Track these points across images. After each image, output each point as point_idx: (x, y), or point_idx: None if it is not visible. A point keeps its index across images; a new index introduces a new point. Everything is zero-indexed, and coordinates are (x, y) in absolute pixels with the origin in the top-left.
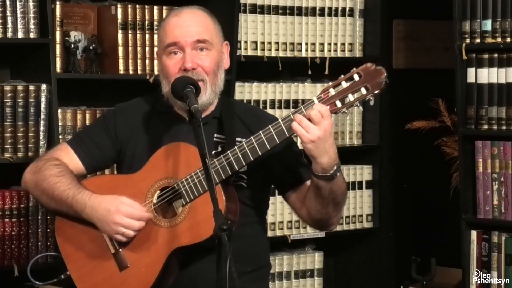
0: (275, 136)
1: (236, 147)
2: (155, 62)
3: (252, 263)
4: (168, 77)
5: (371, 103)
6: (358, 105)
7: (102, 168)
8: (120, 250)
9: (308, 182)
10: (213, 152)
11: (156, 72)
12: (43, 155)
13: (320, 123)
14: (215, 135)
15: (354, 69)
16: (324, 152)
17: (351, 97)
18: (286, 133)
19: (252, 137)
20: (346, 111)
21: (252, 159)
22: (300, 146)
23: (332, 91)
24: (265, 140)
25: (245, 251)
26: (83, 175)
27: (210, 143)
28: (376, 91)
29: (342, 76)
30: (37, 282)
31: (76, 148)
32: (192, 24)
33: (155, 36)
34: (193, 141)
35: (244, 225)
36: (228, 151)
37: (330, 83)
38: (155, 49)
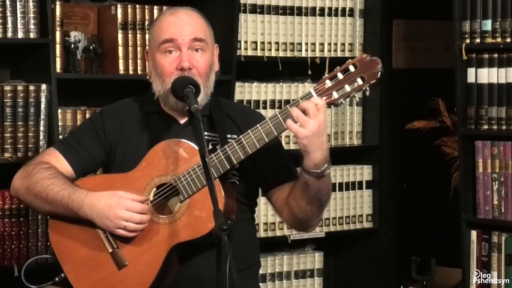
0: (273, 129)
1: (234, 141)
2: None
3: (246, 260)
4: (162, 76)
5: (367, 93)
6: (355, 95)
7: (91, 171)
8: (118, 248)
9: (291, 183)
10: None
11: None
12: (30, 161)
13: (315, 117)
14: (205, 133)
15: (350, 60)
16: (318, 148)
17: (347, 88)
18: (284, 125)
19: (249, 131)
20: (343, 102)
21: (251, 152)
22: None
23: (328, 83)
24: (263, 133)
25: (239, 248)
26: (72, 179)
27: None
28: (373, 81)
29: (338, 67)
30: (32, 286)
31: (65, 152)
32: (189, 23)
33: None
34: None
35: (239, 222)
36: (226, 146)
37: (326, 75)
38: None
